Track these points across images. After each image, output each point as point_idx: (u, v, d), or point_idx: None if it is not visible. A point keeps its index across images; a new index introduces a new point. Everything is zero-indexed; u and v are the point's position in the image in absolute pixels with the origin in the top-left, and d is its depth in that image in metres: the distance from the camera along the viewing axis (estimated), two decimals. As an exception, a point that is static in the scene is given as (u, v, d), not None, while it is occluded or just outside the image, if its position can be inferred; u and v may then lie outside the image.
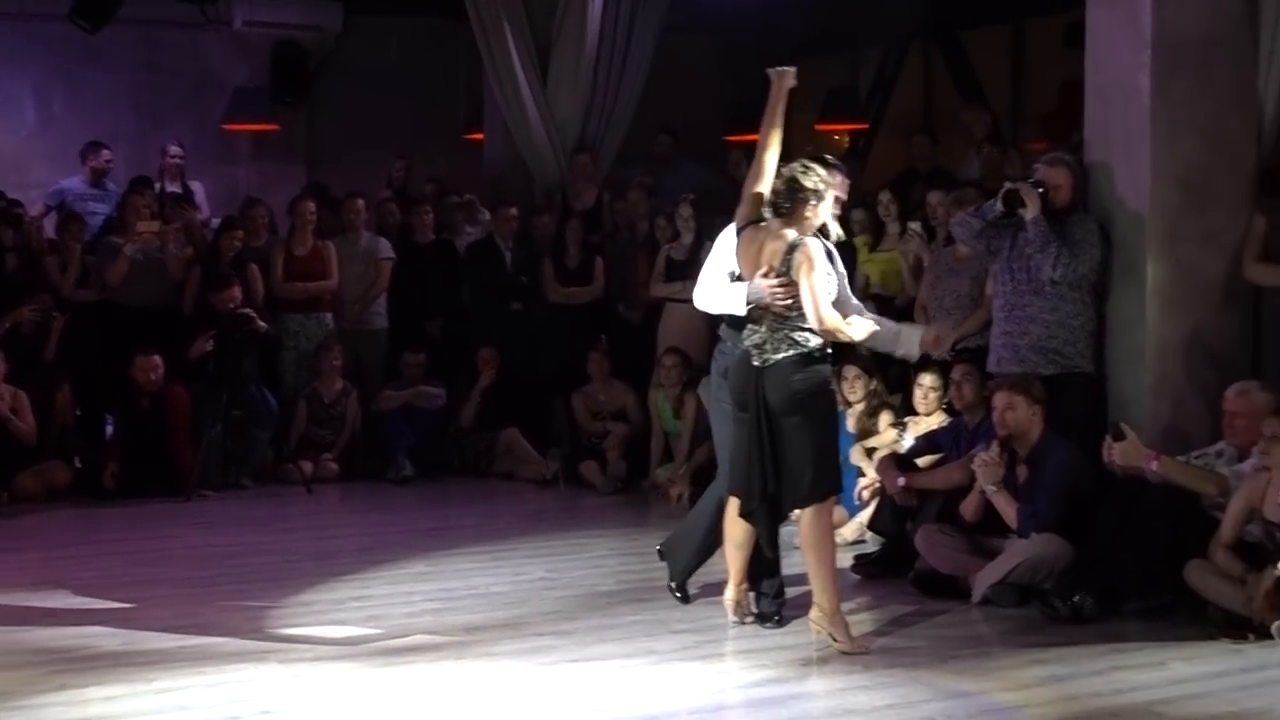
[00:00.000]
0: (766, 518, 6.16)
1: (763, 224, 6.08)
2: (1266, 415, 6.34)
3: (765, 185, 6.11)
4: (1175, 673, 5.71)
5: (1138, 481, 6.62)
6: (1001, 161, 9.72)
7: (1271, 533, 6.17)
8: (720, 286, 6.22)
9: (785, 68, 6.26)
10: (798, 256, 5.89)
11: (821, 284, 5.87)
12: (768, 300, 5.94)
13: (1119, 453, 6.59)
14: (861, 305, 6.33)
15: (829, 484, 6.03)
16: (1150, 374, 7.24)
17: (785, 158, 6.18)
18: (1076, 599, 6.36)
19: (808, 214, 5.99)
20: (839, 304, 6.04)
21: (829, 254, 6.11)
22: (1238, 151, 7.37)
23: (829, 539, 6.04)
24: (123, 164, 12.03)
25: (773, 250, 5.98)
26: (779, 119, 6.22)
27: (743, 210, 6.17)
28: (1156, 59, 7.18)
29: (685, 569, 6.78)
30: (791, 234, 5.96)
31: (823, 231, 6.12)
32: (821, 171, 6.04)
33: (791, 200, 5.98)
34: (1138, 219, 7.25)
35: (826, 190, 6.03)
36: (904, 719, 5.16)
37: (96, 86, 13.54)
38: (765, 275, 5.96)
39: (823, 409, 6.01)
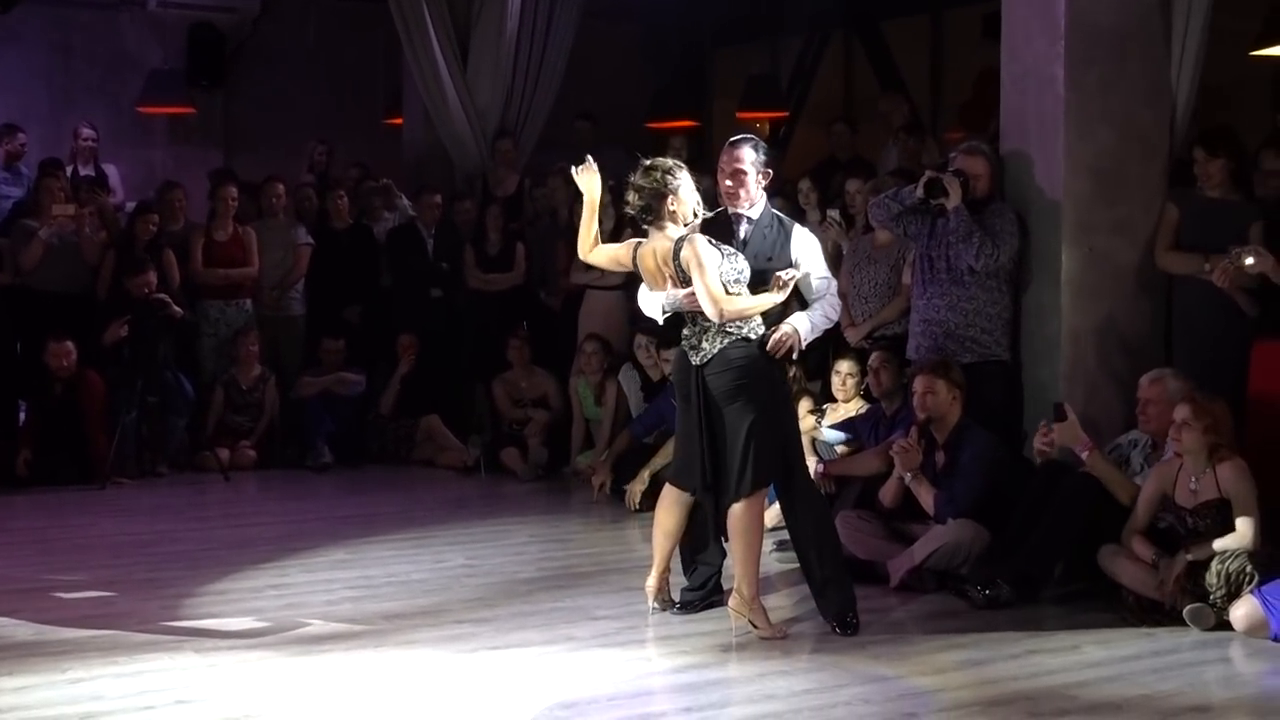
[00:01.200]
0: (713, 508, 6.21)
1: (644, 240, 6.11)
2: (1179, 403, 6.44)
3: (621, 251, 6.18)
4: (1089, 656, 5.79)
5: (1056, 469, 6.70)
6: (919, 150, 9.80)
7: (1183, 518, 6.28)
8: (647, 294, 6.25)
9: (585, 165, 6.16)
10: (685, 254, 5.91)
11: (714, 278, 5.85)
12: (687, 309, 5.98)
13: (1059, 432, 6.66)
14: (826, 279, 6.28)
15: (765, 474, 6.04)
16: (1064, 362, 7.32)
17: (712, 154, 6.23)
18: (992, 588, 6.43)
19: (672, 207, 6.00)
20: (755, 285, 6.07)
21: (775, 233, 6.17)
22: (1150, 142, 7.47)
23: (758, 528, 6.06)
24: (36, 145, 11.82)
25: (664, 254, 6.01)
26: (595, 223, 6.16)
27: (635, 265, 6.18)
28: (1070, 50, 7.25)
29: (846, 601, 6.20)
30: (673, 231, 6.00)
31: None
32: (664, 161, 6.04)
33: (650, 204, 5.99)
34: (1052, 208, 7.33)
35: (677, 174, 6.02)
36: (823, 703, 5.19)
37: (8, 67, 13.29)
38: (675, 285, 5.99)
39: (764, 392, 6.00)
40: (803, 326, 6.14)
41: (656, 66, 14.27)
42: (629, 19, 13.99)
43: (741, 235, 6.19)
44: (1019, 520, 6.64)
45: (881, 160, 10.41)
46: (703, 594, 6.43)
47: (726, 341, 5.95)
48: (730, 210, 6.24)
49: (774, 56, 14.43)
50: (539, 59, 12.03)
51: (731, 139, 6.33)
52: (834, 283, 6.38)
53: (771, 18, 13.74)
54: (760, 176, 6.23)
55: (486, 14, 11.78)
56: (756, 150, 6.24)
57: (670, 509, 6.30)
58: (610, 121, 12.66)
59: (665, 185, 5.97)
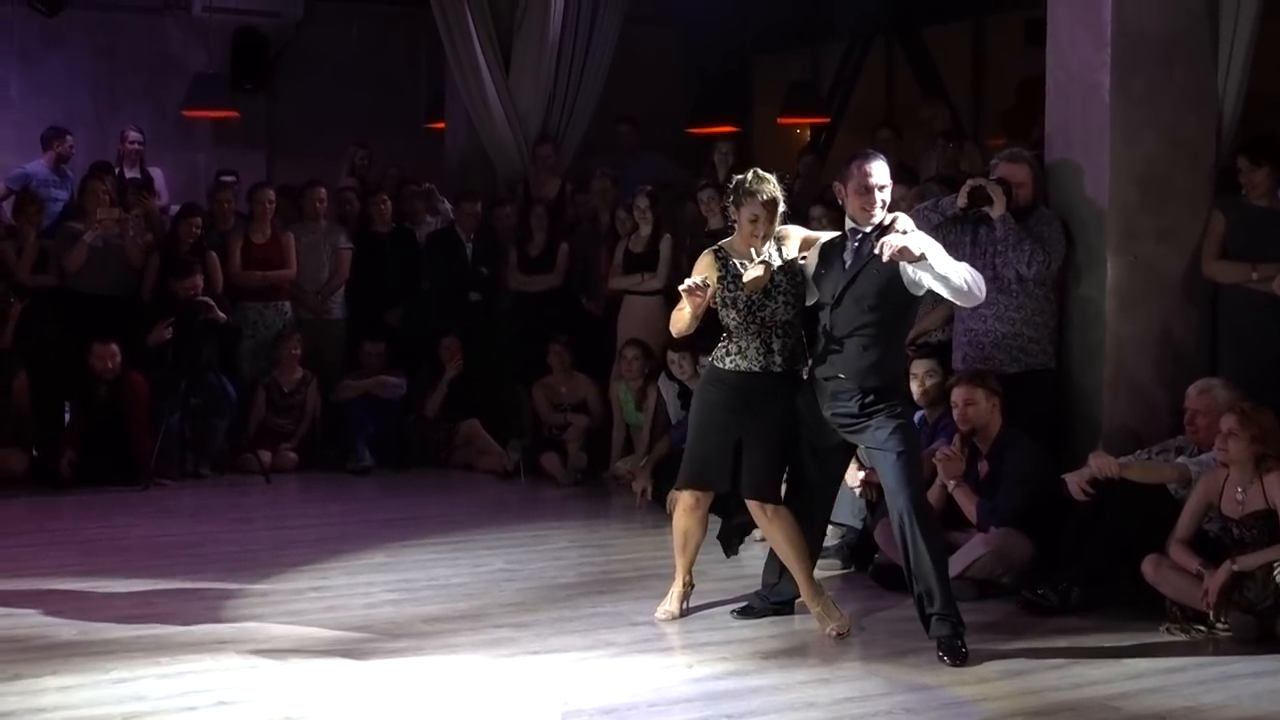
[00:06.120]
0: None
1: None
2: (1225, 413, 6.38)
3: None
4: (1132, 668, 5.76)
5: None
6: (958, 157, 9.75)
7: (1229, 528, 6.23)
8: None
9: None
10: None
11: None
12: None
13: (1097, 469, 6.59)
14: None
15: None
16: (1109, 370, 7.28)
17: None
18: (1062, 590, 6.42)
19: (734, 218, 6.22)
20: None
21: (830, 249, 6.17)
22: (1197, 149, 7.41)
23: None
24: (82, 149, 11.92)
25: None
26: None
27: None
28: (1117, 57, 7.21)
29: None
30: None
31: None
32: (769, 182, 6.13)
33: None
34: (1098, 216, 7.28)
35: (743, 192, 6.11)
36: (864, 712, 5.18)
37: (53, 71, 13.41)
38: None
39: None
40: (930, 245, 5.83)
41: (698, 72, 14.26)
42: (670, 24, 13.98)
43: (854, 246, 6.06)
44: (1075, 526, 6.59)
45: (920, 166, 10.36)
46: (770, 605, 6.46)
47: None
48: (849, 226, 6.08)
49: (815, 62, 14.39)
50: (581, 64, 12.03)
51: (861, 152, 6.15)
52: (974, 271, 6.00)
53: (813, 23, 13.71)
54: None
55: (529, 19, 11.78)
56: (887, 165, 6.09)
57: (688, 514, 6.36)
58: (651, 127, 12.66)
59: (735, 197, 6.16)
